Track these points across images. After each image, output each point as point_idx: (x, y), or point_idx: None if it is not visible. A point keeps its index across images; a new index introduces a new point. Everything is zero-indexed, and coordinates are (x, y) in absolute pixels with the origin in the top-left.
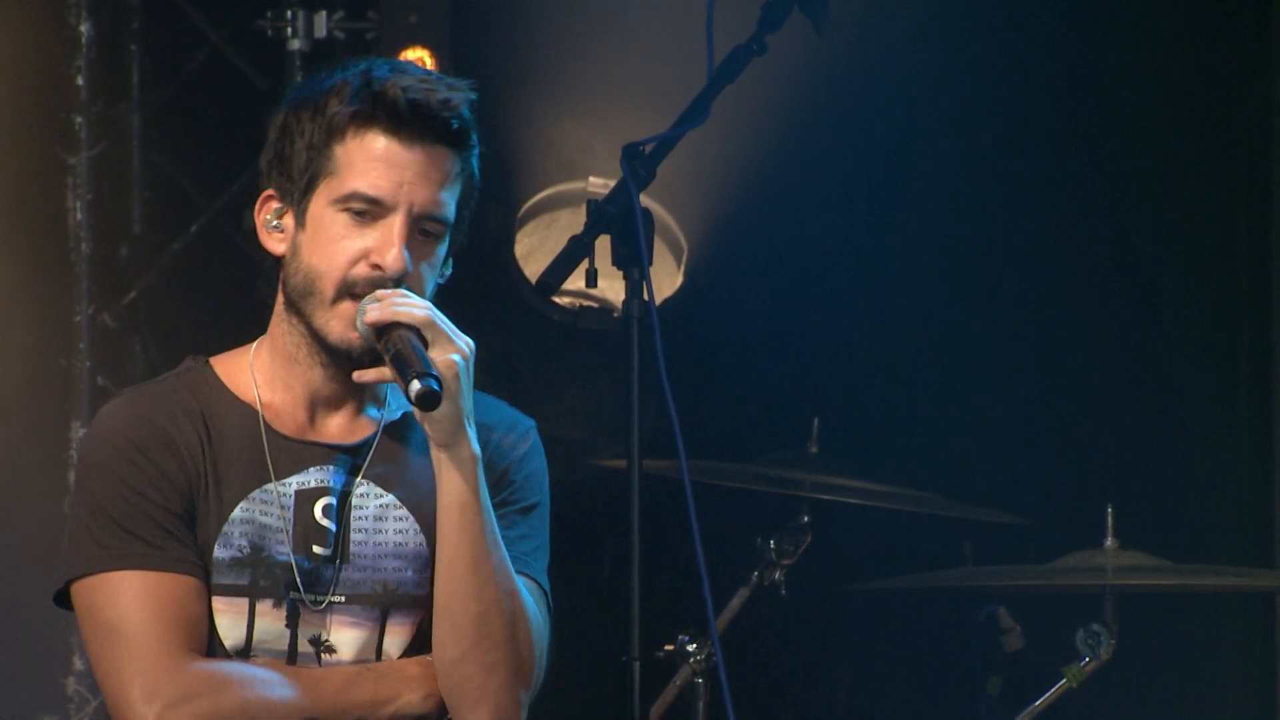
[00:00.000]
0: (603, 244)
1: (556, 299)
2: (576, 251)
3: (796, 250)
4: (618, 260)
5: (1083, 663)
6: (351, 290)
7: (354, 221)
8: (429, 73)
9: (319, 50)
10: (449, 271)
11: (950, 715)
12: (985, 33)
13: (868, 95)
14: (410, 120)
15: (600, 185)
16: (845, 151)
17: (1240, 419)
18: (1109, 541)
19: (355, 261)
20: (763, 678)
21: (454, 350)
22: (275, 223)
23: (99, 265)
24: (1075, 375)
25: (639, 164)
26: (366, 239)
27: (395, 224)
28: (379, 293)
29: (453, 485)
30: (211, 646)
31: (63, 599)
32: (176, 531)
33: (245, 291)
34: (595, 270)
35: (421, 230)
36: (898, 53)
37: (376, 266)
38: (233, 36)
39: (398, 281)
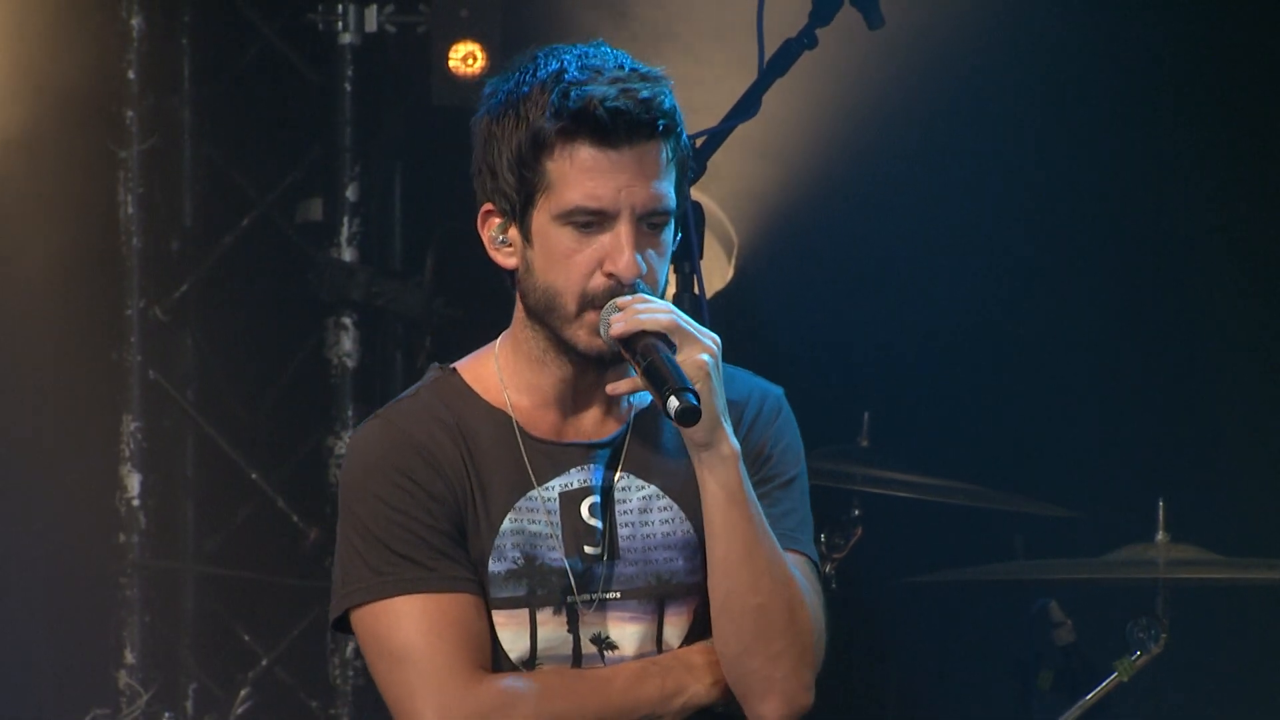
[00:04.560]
0: None
1: None
2: None
3: (847, 244)
4: None
5: (1134, 656)
6: (592, 302)
7: (580, 234)
8: (622, 63)
9: (370, 44)
10: (679, 236)
11: (1002, 708)
12: (1042, 26)
13: (920, 89)
14: (615, 128)
15: None
16: (896, 145)
17: None
18: (1160, 535)
19: (590, 274)
20: None
21: (701, 350)
22: (501, 238)
23: (150, 259)
24: (1126, 369)
25: (690, 158)
26: (597, 249)
27: (622, 231)
28: (619, 301)
29: (716, 484)
30: (497, 660)
31: (340, 623)
32: (449, 551)
33: (297, 285)
34: None
35: (648, 224)
36: (952, 47)
37: (611, 275)
38: (283, 30)
39: (634, 285)
